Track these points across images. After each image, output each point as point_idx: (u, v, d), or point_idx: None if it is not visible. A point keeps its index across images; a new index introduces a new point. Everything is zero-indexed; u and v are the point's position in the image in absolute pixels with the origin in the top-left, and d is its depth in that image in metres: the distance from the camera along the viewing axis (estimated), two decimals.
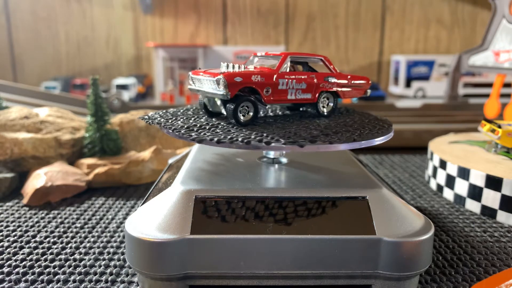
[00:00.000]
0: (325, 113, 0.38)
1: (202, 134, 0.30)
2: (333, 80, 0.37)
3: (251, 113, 0.33)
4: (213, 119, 0.35)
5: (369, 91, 0.40)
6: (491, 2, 0.66)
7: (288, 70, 0.35)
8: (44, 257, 0.35)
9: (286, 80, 0.34)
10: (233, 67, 0.34)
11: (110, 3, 1.13)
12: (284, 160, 0.36)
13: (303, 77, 0.35)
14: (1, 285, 0.30)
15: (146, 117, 0.35)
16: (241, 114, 0.33)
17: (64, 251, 0.36)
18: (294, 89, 0.35)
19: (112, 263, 0.34)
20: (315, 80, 0.36)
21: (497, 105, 0.64)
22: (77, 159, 0.57)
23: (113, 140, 0.56)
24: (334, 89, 0.38)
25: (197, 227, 0.28)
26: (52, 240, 0.38)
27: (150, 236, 0.27)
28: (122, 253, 0.36)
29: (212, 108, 0.36)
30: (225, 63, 0.34)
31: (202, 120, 0.34)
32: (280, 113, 0.39)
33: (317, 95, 0.37)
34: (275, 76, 0.34)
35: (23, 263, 0.34)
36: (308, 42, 1.18)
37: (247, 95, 0.33)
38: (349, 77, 0.39)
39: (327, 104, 0.38)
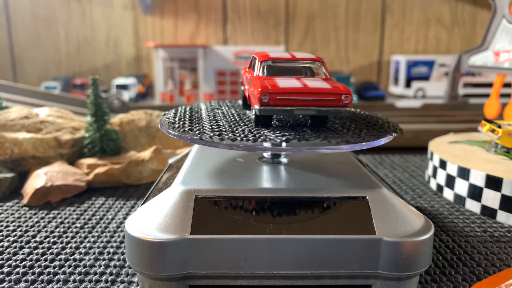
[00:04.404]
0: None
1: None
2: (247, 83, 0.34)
3: None
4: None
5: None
6: (491, 2, 0.66)
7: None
8: (44, 257, 0.35)
9: (244, 76, 0.38)
10: None
11: (110, 3, 1.13)
12: (284, 160, 0.36)
13: (248, 75, 0.36)
14: (1, 285, 0.30)
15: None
16: None
17: (64, 251, 0.36)
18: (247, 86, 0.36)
19: (112, 263, 0.34)
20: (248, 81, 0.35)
21: (497, 105, 0.64)
22: (77, 159, 0.57)
23: (113, 140, 0.56)
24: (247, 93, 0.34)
25: (197, 227, 0.28)
26: (52, 240, 0.38)
27: (150, 236, 0.27)
28: (122, 253, 0.36)
29: None
30: None
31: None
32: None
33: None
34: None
35: (23, 263, 0.34)
36: (308, 42, 1.18)
37: None
38: (252, 86, 0.31)
39: None
